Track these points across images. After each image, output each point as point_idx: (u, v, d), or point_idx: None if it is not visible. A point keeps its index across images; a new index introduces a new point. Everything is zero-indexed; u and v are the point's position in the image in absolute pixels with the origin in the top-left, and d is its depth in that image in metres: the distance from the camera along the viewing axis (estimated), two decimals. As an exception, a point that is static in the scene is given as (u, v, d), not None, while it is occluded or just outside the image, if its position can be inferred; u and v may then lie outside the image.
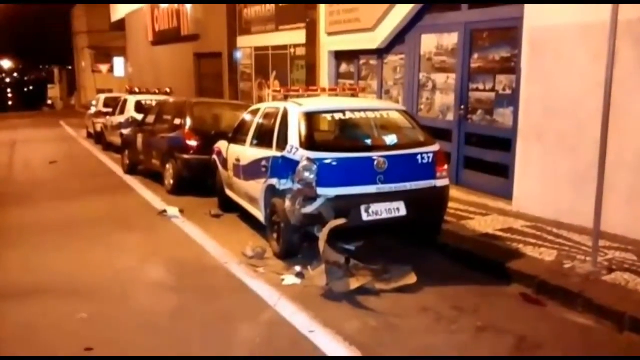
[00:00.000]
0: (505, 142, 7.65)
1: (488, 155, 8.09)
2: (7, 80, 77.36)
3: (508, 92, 7.65)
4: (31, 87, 74.18)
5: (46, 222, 7.53)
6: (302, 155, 5.44)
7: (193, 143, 9.15)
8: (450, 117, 8.69)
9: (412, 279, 5.06)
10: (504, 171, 7.70)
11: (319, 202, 5.37)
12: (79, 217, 7.82)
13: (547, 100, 6.76)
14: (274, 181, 5.83)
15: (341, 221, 5.08)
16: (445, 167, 5.85)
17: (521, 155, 7.21)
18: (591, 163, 6.25)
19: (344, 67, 11.78)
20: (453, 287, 5.10)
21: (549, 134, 6.77)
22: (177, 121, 9.68)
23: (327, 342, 3.94)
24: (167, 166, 9.59)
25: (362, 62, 11.14)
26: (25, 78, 77.24)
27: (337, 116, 5.87)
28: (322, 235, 4.99)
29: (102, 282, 5.25)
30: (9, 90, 75.93)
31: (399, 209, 5.53)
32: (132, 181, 10.73)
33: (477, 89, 8.20)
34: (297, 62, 13.72)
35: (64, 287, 5.16)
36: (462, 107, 8.37)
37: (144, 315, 4.50)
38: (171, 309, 4.64)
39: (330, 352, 3.79)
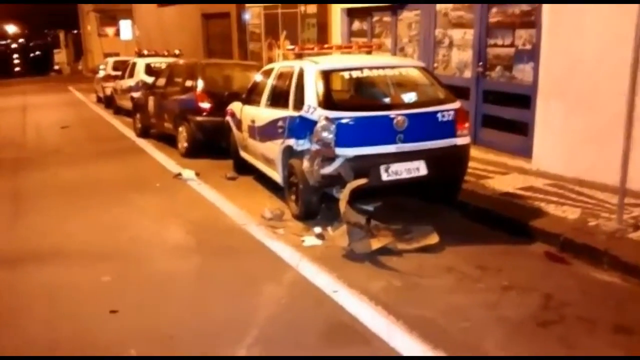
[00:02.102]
0: (525, 99, 7.48)
1: (507, 112, 7.93)
2: (13, 45, 76.93)
3: (528, 47, 7.44)
4: (37, 53, 73.74)
5: (63, 187, 7.52)
6: (319, 114, 5.33)
7: (205, 105, 9.05)
8: (467, 74, 8.50)
9: (434, 238, 5.00)
10: (523, 129, 7.56)
11: (337, 163, 5.28)
12: (94, 182, 7.80)
13: (569, 54, 6.56)
14: (291, 142, 5.74)
15: (362, 181, 5.00)
16: (467, 124, 5.73)
17: (541, 112, 7.05)
18: (615, 119, 6.10)
19: (356, 25, 11.52)
20: (475, 247, 5.04)
21: (571, 89, 6.59)
22: (189, 83, 9.56)
23: (351, 301, 3.91)
24: (180, 129, 9.50)
25: (375, 19, 10.88)
26: (31, 44, 76.73)
27: (355, 74, 5.73)
28: (343, 195, 4.92)
29: (122, 245, 5.24)
30: (15, 55, 75.57)
31: (418, 168, 5.44)
32: (145, 144, 10.68)
33: (495, 45, 7.99)
34: (307, 20, 13.45)
35: (84, 250, 5.16)
36: (480, 63, 8.17)
37: (166, 278, 4.49)
38: (193, 271, 4.63)
39: (355, 312, 3.75)
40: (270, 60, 15.36)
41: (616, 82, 5.86)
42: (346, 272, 4.44)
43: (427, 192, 6.10)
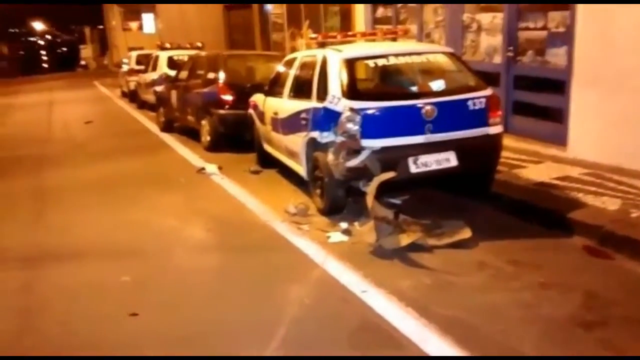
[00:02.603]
0: (558, 85, 7.13)
1: (540, 99, 7.59)
2: (41, 42, 78.01)
3: (561, 29, 7.08)
4: (64, 49, 74.68)
5: (86, 182, 7.46)
6: (344, 105, 5.12)
7: (228, 97, 8.89)
8: (497, 59, 8.16)
9: (466, 233, 4.76)
10: (557, 116, 7.22)
11: (364, 155, 5.07)
12: (118, 177, 7.72)
13: (606, 37, 6.23)
14: (315, 134, 5.54)
15: (390, 174, 4.78)
16: (499, 112, 5.46)
17: (577, 98, 6.73)
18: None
19: (380, 12, 11.22)
20: (510, 241, 4.79)
21: (608, 73, 6.26)
22: (211, 75, 9.41)
23: (380, 302, 3.71)
24: (203, 122, 9.38)
25: (399, 4, 10.57)
26: (58, 40, 77.72)
27: (380, 62, 5.49)
28: (370, 189, 4.71)
29: (144, 243, 5.13)
30: (42, 52, 76.65)
31: (449, 159, 5.20)
32: (169, 139, 10.60)
33: (526, 28, 7.64)
34: (330, 9, 13.19)
35: (105, 248, 5.06)
36: (511, 48, 7.83)
37: (189, 277, 4.35)
38: (216, 270, 4.49)
39: (385, 313, 3.56)
40: (294, 50, 15.16)
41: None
42: (374, 269, 4.24)
43: (458, 184, 5.85)
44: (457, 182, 5.73)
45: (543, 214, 5.24)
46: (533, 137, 7.53)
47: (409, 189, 5.77)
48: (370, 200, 4.67)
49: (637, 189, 5.57)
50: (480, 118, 5.32)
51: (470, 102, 5.26)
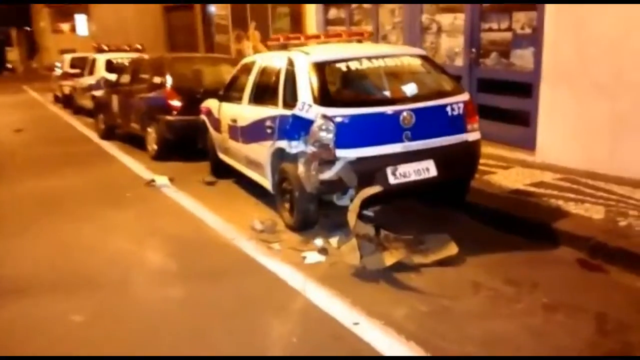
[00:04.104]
0: (524, 88, 6.96)
1: (505, 102, 7.40)
2: (-38, 44, 73.70)
3: (527, 31, 6.91)
4: (-12, 51, 70.76)
5: (22, 201, 6.67)
6: (316, 112, 4.69)
7: (176, 103, 8.31)
8: (459, 62, 7.94)
9: (452, 249, 4.42)
10: (524, 119, 7.04)
11: (338, 166, 4.66)
12: (57, 192, 6.98)
13: (578, 39, 6.06)
14: (282, 144, 5.08)
15: (377, 189, 4.38)
16: (476, 118, 5.16)
17: (546, 101, 6.55)
18: (632, 109, 5.66)
19: (332, 13, 10.86)
20: (497, 256, 4.49)
21: (581, 77, 6.10)
22: (157, 80, 8.79)
23: (377, 336, 3.29)
24: (149, 130, 8.75)
25: (353, 5, 10.23)
26: (-19, 41, 73.60)
27: (353, 65, 5.07)
28: (353, 207, 4.29)
29: (95, 272, 4.49)
30: (-36, 55, 72.41)
31: (428, 169, 4.85)
32: (110, 147, 9.86)
33: (490, 29, 7.45)
34: (279, 10, 12.72)
35: (49, 280, 4.39)
36: (473, 50, 7.62)
37: (152, 313, 3.78)
38: (183, 302, 3.92)
39: (385, 350, 3.15)
40: (240, 53, 14.61)
41: (634, 69, 5.43)
42: (361, 295, 3.83)
43: (432, 194, 5.53)
44: (432, 191, 5.41)
45: (526, 224, 4.98)
46: (498, 141, 7.32)
47: (385, 202, 5.40)
48: (352, 218, 4.25)
49: (616, 195, 5.40)
50: (458, 124, 5.02)
51: (448, 108, 4.94)
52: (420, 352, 3.10)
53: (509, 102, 7.35)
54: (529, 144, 6.87)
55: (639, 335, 3.25)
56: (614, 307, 3.58)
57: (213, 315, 3.70)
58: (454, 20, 7.97)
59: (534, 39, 6.71)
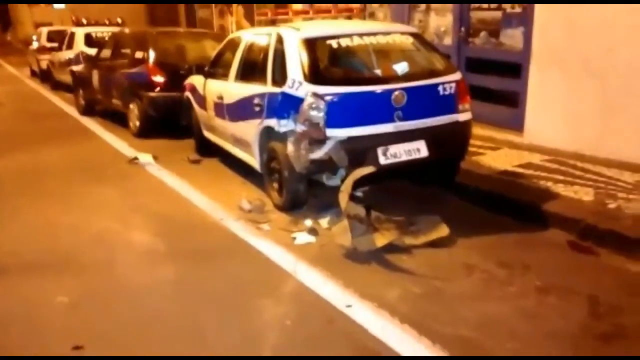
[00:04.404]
0: (513, 68, 6.92)
1: (493, 82, 7.35)
2: None
3: (517, 10, 6.84)
4: (-39, 23, 68.80)
5: (1, 178, 6.48)
6: (307, 90, 4.58)
7: (159, 79, 8.14)
8: (447, 40, 7.86)
9: (443, 231, 4.38)
10: (513, 100, 7.01)
11: (328, 145, 4.58)
12: (38, 169, 6.81)
13: (569, 19, 6.01)
14: (271, 122, 4.97)
15: (369, 169, 4.31)
16: (468, 98, 5.10)
17: (535, 82, 6.52)
18: (622, 90, 5.64)
19: (318, -12, 10.67)
20: (487, 237, 4.47)
21: (570, 57, 6.06)
22: (139, 55, 8.59)
23: (370, 319, 3.25)
24: (131, 106, 8.57)
25: (340, -19, 10.05)
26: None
27: (344, 42, 4.96)
28: (345, 187, 4.22)
29: (80, 252, 4.38)
30: None
31: (419, 149, 4.79)
32: (91, 123, 9.65)
33: (479, 8, 7.37)
34: (263, -16, 12.46)
35: (33, 260, 4.27)
36: (462, 28, 7.54)
37: (140, 295, 3.68)
38: (171, 285, 3.83)
39: (379, 333, 3.10)
40: (222, 28, 14.35)
41: (625, 49, 5.39)
42: (353, 277, 3.78)
43: (422, 174, 5.47)
44: (422, 171, 5.36)
45: (515, 205, 4.95)
46: (487, 122, 7.28)
47: (375, 183, 5.33)
48: (344, 199, 4.18)
49: (605, 177, 5.40)
50: (449, 104, 4.95)
51: (440, 87, 4.87)
52: (414, 335, 3.06)
53: (497, 82, 7.31)
54: (517, 125, 6.85)
55: (631, 317, 3.24)
56: (605, 289, 3.58)
57: (204, 298, 3.62)
58: (444, -3, 7.88)
59: (524, 18, 6.65)
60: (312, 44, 4.88)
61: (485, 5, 7.26)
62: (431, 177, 5.51)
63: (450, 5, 7.71)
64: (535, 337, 3.08)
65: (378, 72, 5.00)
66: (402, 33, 5.32)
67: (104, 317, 3.41)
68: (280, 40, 5.10)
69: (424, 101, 4.82)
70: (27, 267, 4.14)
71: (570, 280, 3.73)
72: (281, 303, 3.51)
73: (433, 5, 8.08)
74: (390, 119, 4.67)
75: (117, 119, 9.31)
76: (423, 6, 8.24)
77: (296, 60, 4.79)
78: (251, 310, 3.43)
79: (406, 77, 4.83)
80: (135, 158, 6.99)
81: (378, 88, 4.68)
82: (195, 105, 6.99)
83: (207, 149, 7.00)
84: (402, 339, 3.05)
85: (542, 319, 3.26)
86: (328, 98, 4.53)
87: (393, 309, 3.35)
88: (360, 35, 5.03)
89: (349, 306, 3.39)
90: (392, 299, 3.49)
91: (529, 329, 3.16)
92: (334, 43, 4.94)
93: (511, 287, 3.66)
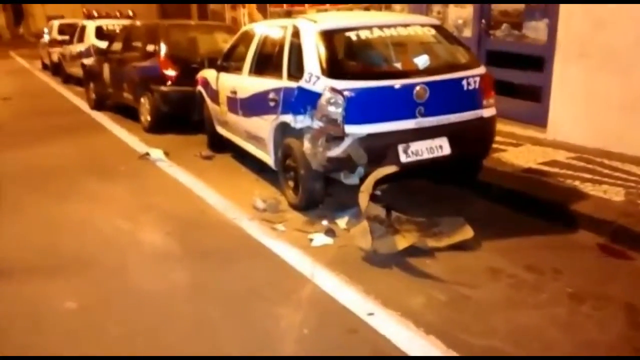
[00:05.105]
0: (536, 61, 6.67)
1: (516, 76, 7.09)
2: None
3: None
4: (-27, 16, 69.05)
5: (8, 173, 6.31)
6: (325, 85, 4.38)
7: (171, 72, 7.96)
8: (467, 33, 7.61)
9: (468, 233, 4.18)
10: (536, 94, 6.76)
11: (347, 143, 4.38)
12: (48, 165, 6.67)
13: (596, 9, 5.75)
14: (287, 118, 4.78)
15: (392, 168, 4.11)
16: (493, 93, 4.88)
17: (559, 75, 6.27)
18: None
19: (333, -20, 10.44)
20: (514, 240, 4.26)
21: (597, 49, 5.81)
22: (150, 48, 8.41)
23: (394, 329, 3.06)
24: (142, 100, 8.40)
25: (355, -27, 9.82)
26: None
27: (363, 34, 4.75)
28: (366, 186, 4.03)
29: (90, 252, 4.22)
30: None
31: (442, 146, 4.58)
32: (102, 118, 9.51)
33: (501, -1, 7.12)
34: (276, -24, 12.24)
35: (40, 260, 4.12)
36: (483, 20, 7.29)
37: (152, 300, 3.51)
38: (185, 289, 3.66)
39: (403, 345, 2.91)
40: (234, 20, 14.17)
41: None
42: (374, 282, 3.59)
43: (443, 172, 5.27)
44: (442, 169, 5.15)
45: (542, 205, 4.74)
46: (508, 118, 7.02)
47: (393, 181, 5.13)
48: (364, 199, 3.99)
49: (635, 175, 5.17)
50: (474, 99, 4.74)
51: (464, 82, 4.65)
52: (441, 347, 2.87)
53: (519, 76, 7.06)
54: (540, 121, 6.61)
55: (675, 328, 3.04)
56: (642, 297, 3.37)
57: (218, 303, 3.44)
58: (463, -11, 7.63)
59: (549, 9, 6.40)
60: (329, 36, 4.67)
61: (507, -3, 7.01)
62: (451, 175, 5.30)
63: (470, -4, 7.47)
64: (570, 349, 2.88)
65: (399, 65, 4.78)
66: (423, 25, 5.09)
67: (115, 324, 3.25)
68: (296, 33, 4.90)
69: (447, 96, 4.61)
70: (32, 269, 3.98)
71: (604, 286, 3.53)
72: (299, 309, 3.33)
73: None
74: (411, 115, 4.46)
75: (128, 113, 9.17)
76: (442, -3, 8.00)
77: (313, 54, 4.59)
78: (268, 316, 3.25)
79: (428, 71, 4.60)
80: (147, 154, 6.84)
81: (399, 82, 4.47)
82: (207, 100, 6.82)
83: (220, 145, 6.83)
84: (429, 350, 2.86)
85: (577, 329, 3.06)
86: (347, 93, 4.33)
87: (418, 318, 3.16)
88: (380, 27, 4.82)
89: (370, 314, 3.21)
90: (416, 307, 3.30)
91: (564, 340, 2.96)
92: (352, 35, 4.73)
93: (542, 293, 3.46)
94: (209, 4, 15.75)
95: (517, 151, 6.13)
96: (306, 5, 5.70)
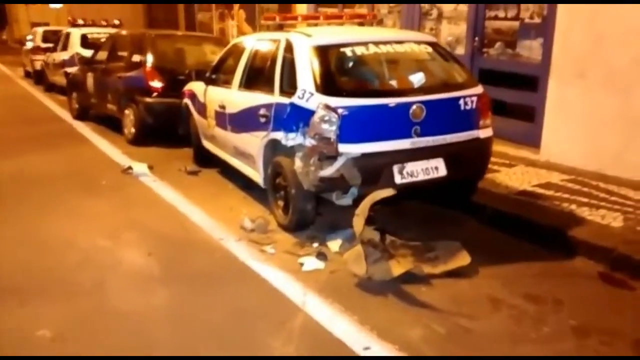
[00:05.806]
0: (531, 81, 6.58)
1: (509, 96, 6.99)
2: None
3: (537, 20, 6.51)
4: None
5: (-17, 186, 6.08)
6: (318, 102, 4.21)
7: (157, 84, 7.78)
8: (460, 50, 7.51)
9: (465, 259, 4.01)
10: (529, 114, 6.66)
11: (340, 162, 4.21)
12: (25, 177, 6.40)
13: (592, 31, 5.68)
14: (278, 135, 4.60)
15: (389, 192, 3.93)
16: (490, 113, 4.75)
17: (554, 95, 6.18)
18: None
19: (324, -7, 10.33)
20: (510, 266, 4.12)
21: (593, 69, 5.72)
22: (136, 58, 8.22)
23: (392, 365, 2.88)
24: (127, 112, 8.19)
25: (347, -14, 9.72)
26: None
27: (359, 50, 4.60)
28: (361, 210, 3.84)
29: (66, 273, 3.98)
30: None
31: (437, 168, 4.43)
32: (84, 128, 9.26)
33: (495, 17, 7.03)
34: (266, -12, 12.12)
35: (12, 282, 3.86)
36: (476, 38, 7.20)
37: (133, 327, 3.29)
38: (166, 314, 3.43)
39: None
40: (222, 32, 14.00)
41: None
42: (369, 312, 3.41)
43: (438, 195, 5.12)
44: (440, 192, 5.01)
45: (538, 231, 4.60)
46: (501, 137, 6.89)
47: (387, 203, 4.96)
48: (359, 223, 3.80)
49: (633, 200, 5.06)
50: (471, 120, 4.61)
51: (461, 102, 4.51)
52: (444, 387, 2.69)
53: (513, 95, 6.96)
54: (533, 141, 6.50)
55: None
56: (650, 331, 3.23)
57: (203, 331, 3.23)
58: (456, 6, 7.53)
59: (544, 28, 6.32)
60: (324, 52, 4.52)
61: (502, 14, 6.92)
62: (445, 196, 5.15)
63: (464, 14, 7.37)
64: (581, 392, 2.72)
65: (395, 83, 4.63)
66: (420, 42, 4.95)
67: (91, 351, 3.01)
68: (289, 47, 4.74)
69: (444, 116, 4.47)
70: (4, 291, 3.72)
71: (608, 319, 3.38)
72: (289, 342, 3.12)
73: (446, 14, 7.74)
74: (407, 135, 4.31)
75: (111, 124, 8.93)
76: (435, 13, 7.90)
77: (307, 69, 4.42)
78: (256, 348, 3.05)
79: (425, 90, 4.46)
80: (129, 167, 6.60)
81: (395, 101, 4.32)
82: (194, 113, 6.62)
83: (206, 160, 6.63)
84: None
85: (584, 367, 2.90)
86: (341, 111, 4.16)
87: (417, 353, 2.98)
88: (376, 43, 4.67)
89: (366, 348, 3.02)
90: (414, 340, 3.12)
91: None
92: (347, 51, 4.58)
93: (545, 326, 3.29)
94: (197, 15, 15.58)
95: (510, 172, 6.01)
96: (300, 18, 5.54)
